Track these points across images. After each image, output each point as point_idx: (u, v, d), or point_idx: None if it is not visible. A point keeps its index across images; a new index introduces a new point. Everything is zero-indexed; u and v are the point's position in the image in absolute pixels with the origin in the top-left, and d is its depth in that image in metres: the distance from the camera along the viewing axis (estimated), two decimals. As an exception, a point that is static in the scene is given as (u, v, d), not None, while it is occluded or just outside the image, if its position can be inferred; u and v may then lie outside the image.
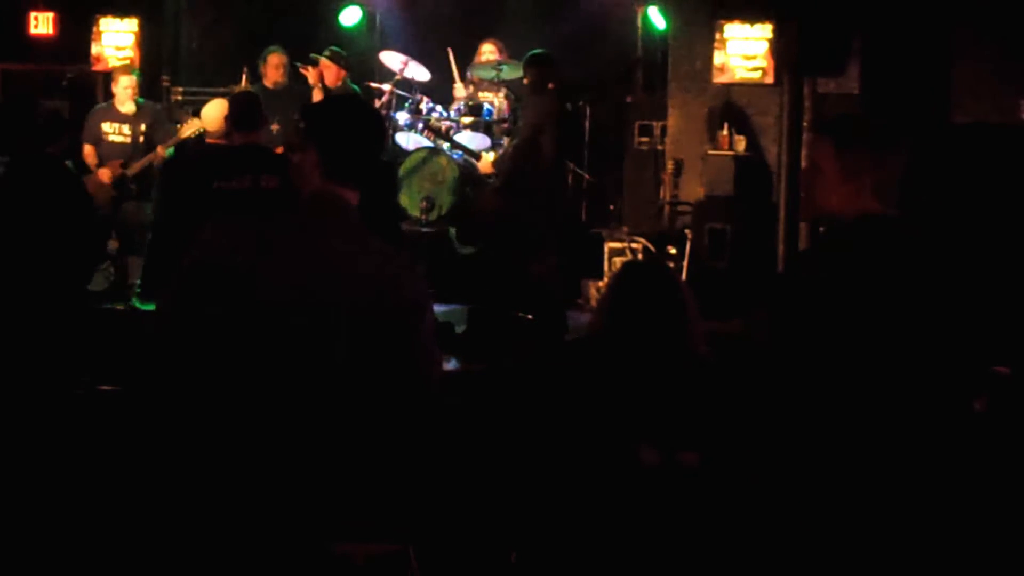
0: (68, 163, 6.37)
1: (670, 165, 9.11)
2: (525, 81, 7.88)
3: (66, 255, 6.07)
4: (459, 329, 7.27)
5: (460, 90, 9.86)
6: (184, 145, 7.97)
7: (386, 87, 9.79)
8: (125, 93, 8.62)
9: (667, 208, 9.23)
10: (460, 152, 9.32)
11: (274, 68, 9.09)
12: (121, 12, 10.10)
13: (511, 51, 9.64)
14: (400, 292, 2.76)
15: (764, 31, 9.01)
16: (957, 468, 2.96)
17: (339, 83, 9.03)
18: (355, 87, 9.29)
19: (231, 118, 6.02)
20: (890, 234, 2.99)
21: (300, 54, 9.26)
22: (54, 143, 6.38)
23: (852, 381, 2.89)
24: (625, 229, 9.24)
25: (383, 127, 2.99)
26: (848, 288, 2.92)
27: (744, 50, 9.07)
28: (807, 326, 2.94)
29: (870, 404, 2.87)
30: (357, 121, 2.92)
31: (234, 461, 2.70)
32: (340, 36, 10.53)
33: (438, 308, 7.43)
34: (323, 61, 9.03)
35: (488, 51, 9.81)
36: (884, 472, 2.86)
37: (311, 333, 2.68)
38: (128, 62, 9.74)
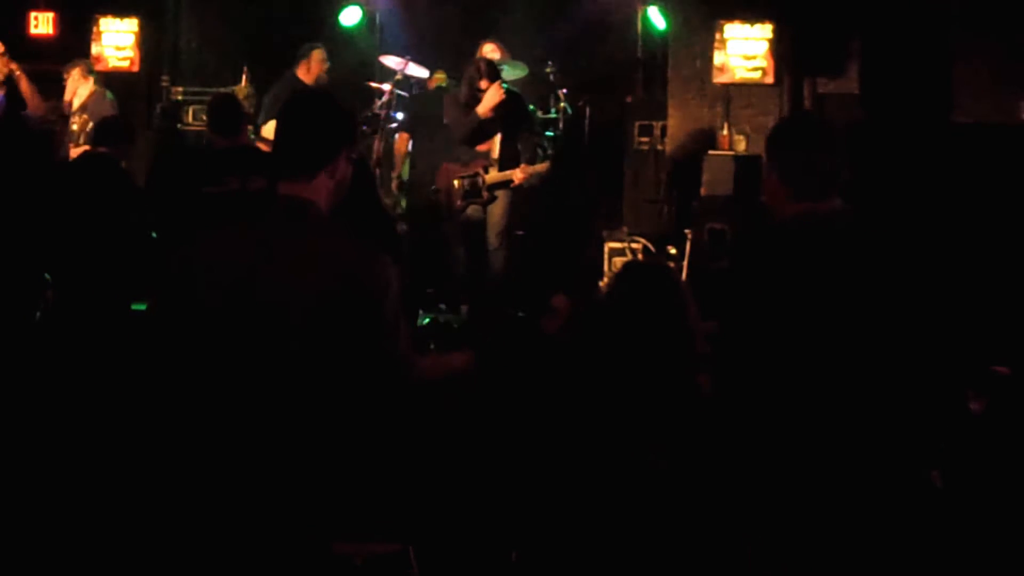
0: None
1: (670, 165, 9.11)
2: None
3: (113, 256, 6.04)
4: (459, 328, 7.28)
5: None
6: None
7: (386, 87, 9.78)
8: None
9: (667, 208, 9.23)
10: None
11: (318, 63, 9.06)
12: (121, 12, 10.10)
13: (511, 52, 9.63)
14: (368, 272, 2.76)
15: (764, 31, 9.01)
16: (951, 463, 2.97)
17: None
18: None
19: (208, 123, 5.96)
20: (816, 230, 3.03)
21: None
22: (116, 145, 6.36)
23: (806, 384, 2.91)
24: (625, 229, 9.24)
25: (319, 119, 2.87)
26: (788, 284, 2.96)
27: (744, 50, 9.06)
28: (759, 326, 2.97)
29: (836, 402, 2.88)
30: (288, 120, 2.89)
31: (233, 461, 2.70)
32: (340, 36, 10.53)
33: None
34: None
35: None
36: (872, 465, 2.87)
37: (298, 330, 2.68)
38: (128, 63, 9.86)
